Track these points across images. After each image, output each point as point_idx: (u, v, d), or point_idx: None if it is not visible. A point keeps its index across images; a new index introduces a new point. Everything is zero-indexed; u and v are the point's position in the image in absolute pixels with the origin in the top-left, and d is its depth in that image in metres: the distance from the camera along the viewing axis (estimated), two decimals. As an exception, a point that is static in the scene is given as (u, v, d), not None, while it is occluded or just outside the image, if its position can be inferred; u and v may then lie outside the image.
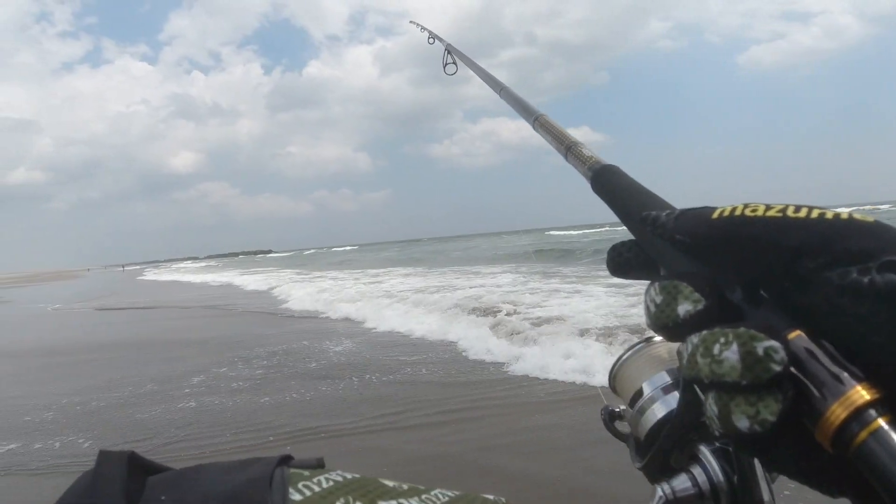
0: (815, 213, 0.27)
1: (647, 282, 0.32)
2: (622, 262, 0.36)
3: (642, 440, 0.48)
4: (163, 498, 0.25)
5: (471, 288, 12.25)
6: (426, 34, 1.62)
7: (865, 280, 0.24)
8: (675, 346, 0.29)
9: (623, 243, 0.37)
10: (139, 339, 9.78)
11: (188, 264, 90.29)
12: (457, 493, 0.30)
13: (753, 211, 0.28)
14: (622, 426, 0.52)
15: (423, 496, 0.29)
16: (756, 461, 0.39)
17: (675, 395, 0.46)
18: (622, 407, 0.52)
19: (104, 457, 0.26)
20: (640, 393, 0.49)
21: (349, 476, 0.29)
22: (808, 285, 0.26)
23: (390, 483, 0.29)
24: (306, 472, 0.28)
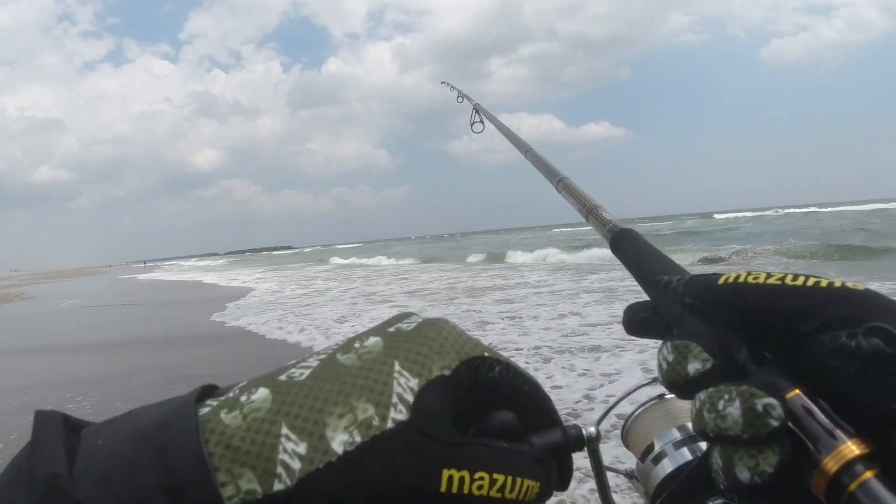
0: (810, 282, 0.29)
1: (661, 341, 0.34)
2: (638, 321, 0.39)
3: (652, 493, 0.49)
4: (99, 442, 0.26)
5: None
6: (455, 93, 1.66)
7: (853, 344, 0.26)
8: (687, 404, 0.32)
9: (639, 303, 0.39)
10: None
11: (193, 262, 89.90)
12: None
13: (755, 278, 0.31)
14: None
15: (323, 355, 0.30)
16: None
17: (685, 451, 0.48)
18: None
19: (40, 416, 0.27)
20: (650, 447, 0.50)
21: (261, 376, 0.29)
22: (804, 347, 0.28)
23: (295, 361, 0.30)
24: (223, 388, 0.29)
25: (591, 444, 0.36)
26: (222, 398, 0.27)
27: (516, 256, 22.10)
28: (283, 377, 0.28)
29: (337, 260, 38.41)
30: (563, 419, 0.34)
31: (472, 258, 25.05)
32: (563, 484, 0.34)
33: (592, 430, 0.36)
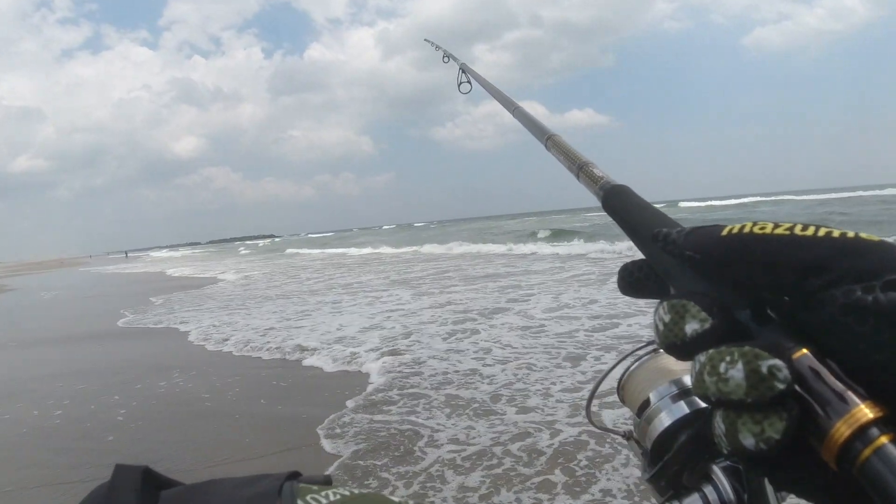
0: (822, 232, 0.27)
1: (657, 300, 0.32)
2: (632, 281, 0.37)
3: (650, 449, 0.49)
4: None
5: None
6: (440, 52, 1.65)
7: (869, 298, 0.24)
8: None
9: (633, 262, 0.37)
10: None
11: (165, 253, 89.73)
12: None
13: (762, 229, 0.28)
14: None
15: None
16: (766, 480, 0.39)
17: (682, 404, 0.48)
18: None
19: (120, 470, 0.27)
20: (647, 402, 0.50)
21: (356, 491, 0.29)
22: (813, 303, 0.26)
23: (396, 499, 0.30)
24: (314, 487, 0.29)
25: None
26: (314, 501, 0.28)
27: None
28: None
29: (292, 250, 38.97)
30: None
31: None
32: None
33: None
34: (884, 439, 0.23)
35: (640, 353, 0.56)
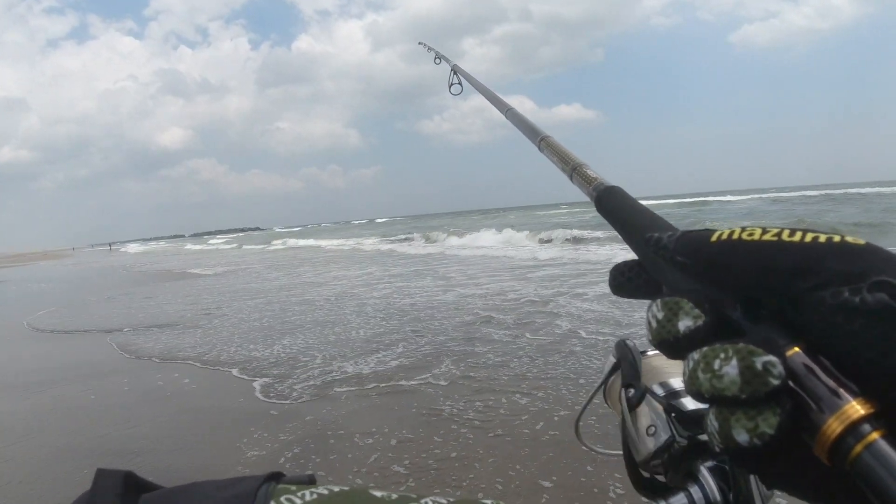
0: (808, 237, 0.27)
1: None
2: (624, 281, 0.37)
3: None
4: None
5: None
6: (433, 54, 1.64)
7: (857, 299, 0.24)
8: (667, 359, 0.30)
9: (625, 263, 0.37)
10: None
11: (135, 247, 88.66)
12: (450, 499, 0.30)
13: (750, 235, 0.29)
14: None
15: None
16: (753, 479, 0.40)
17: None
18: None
19: (101, 475, 0.27)
20: None
21: (336, 489, 0.29)
22: (803, 305, 0.26)
23: (379, 493, 0.30)
24: (293, 487, 0.29)
25: None
26: (287, 502, 0.28)
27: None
28: None
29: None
30: None
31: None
32: None
33: None
34: (875, 435, 0.23)
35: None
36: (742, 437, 0.25)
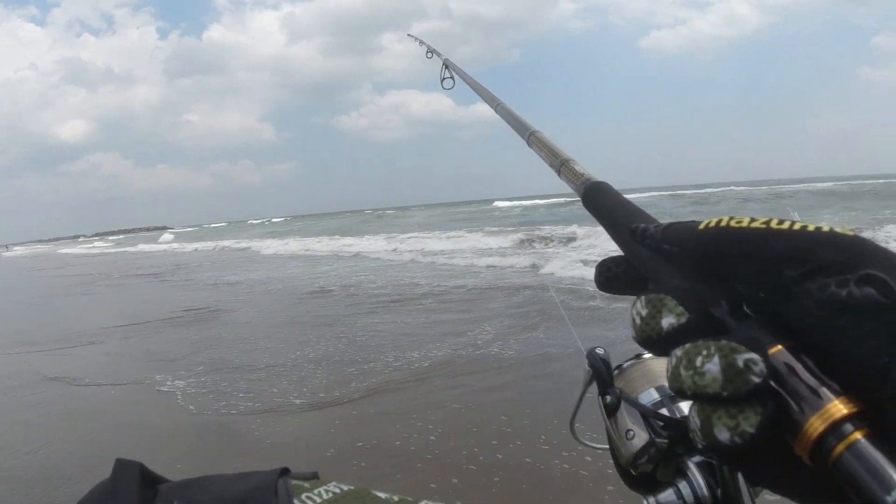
0: (797, 226, 0.27)
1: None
2: (610, 276, 0.37)
3: (635, 453, 0.49)
4: (175, 502, 0.27)
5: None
6: (424, 48, 1.61)
7: (843, 293, 0.24)
8: (665, 362, 0.29)
9: (612, 258, 0.37)
10: None
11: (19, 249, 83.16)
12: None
13: (738, 223, 0.29)
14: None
15: None
16: (740, 475, 0.40)
17: (664, 411, 0.48)
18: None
19: (120, 465, 0.28)
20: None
21: (345, 488, 0.30)
22: (789, 296, 0.26)
23: (382, 495, 0.31)
24: (306, 484, 0.30)
25: None
26: (309, 500, 0.29)
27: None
28: None
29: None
30: None
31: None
32: None
33: None
34: (858, 435, 0.23)
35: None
36: (723, 434, 0.25)
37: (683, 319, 0.29)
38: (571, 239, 14.51)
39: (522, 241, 15.34)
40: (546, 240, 15.28)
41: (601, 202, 0.43)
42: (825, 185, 42.84)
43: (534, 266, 10.80)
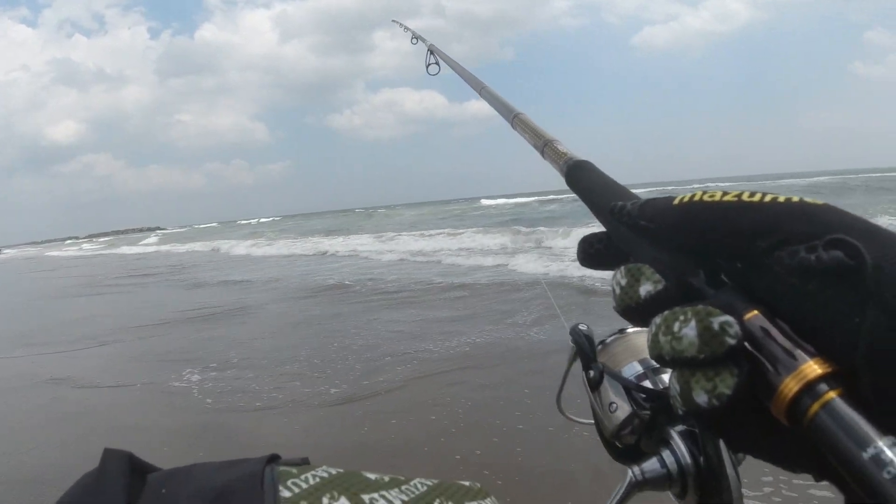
0: (767, 198, 0.28)
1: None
2: (593, 252, 0.37)
3: (619, 423, 0.50)
4: (163, 490, 0.27)
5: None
6: (409, 34, 1.61)
7: (812, 257, 0.25)
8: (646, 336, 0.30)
9: (594, 235, 0.38)
10: None
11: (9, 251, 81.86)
12: (435, 481, 0.31)
13: (711, 196, 0.30)
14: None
15: (403, 486, 0.30)
16: (722, 442, 0.42)
17: (647, 383, 0.49)
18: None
19: (108, 454, 0.28)
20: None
21: (333, 471, 0.30)
22: (761, 265, 0.27)
23: (372, 476, 0.31)
24: (294, 470, 0.30)
25: None
26: (299, 490, 0.28)
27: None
28: (366, 497, 0.29)
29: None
30: None
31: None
32: None
33: None
34: (832, 394, 0.24)
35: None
36: (701, 398, 0.26)
37: (661, 286, 0.30)
38: (554, 235, 14.56)
39: (505, 240, 15.34)
40: (528, 235, 15.38)
41: (584, 181, 0.44)
42: (818, 179, 43.18)
43: (511, 258, 10.88)
